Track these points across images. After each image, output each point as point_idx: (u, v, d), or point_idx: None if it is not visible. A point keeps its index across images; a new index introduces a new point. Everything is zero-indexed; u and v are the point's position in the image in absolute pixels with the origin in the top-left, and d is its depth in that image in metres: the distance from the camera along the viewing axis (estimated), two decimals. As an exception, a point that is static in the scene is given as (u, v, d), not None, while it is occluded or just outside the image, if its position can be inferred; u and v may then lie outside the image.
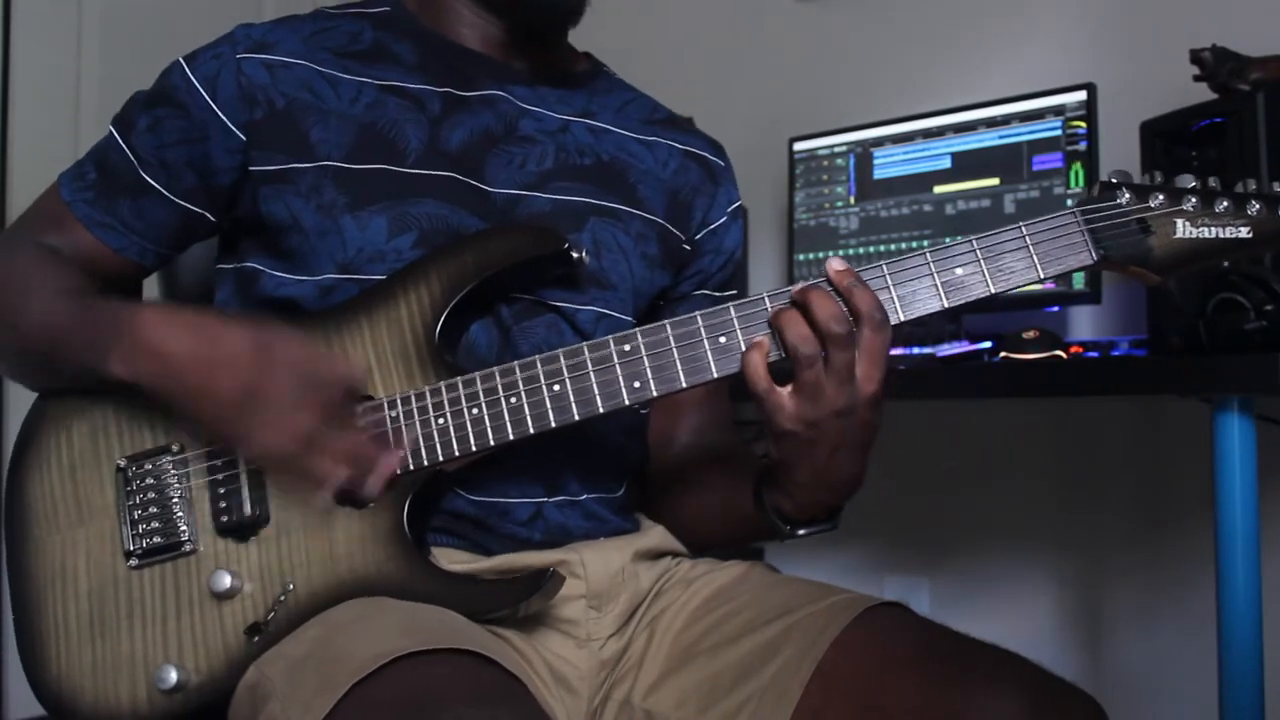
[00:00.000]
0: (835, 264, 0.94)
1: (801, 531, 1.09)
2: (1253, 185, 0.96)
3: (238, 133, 1.05)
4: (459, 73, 1.13)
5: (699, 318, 0.97)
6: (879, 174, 2.15)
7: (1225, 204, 0.96)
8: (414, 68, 1.12)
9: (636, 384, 0.98)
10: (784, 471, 1.03)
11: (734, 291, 1.30)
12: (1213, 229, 0.95)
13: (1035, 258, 0.96)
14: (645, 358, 0.98)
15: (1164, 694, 2.06)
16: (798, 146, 2.26)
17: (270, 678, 0.93)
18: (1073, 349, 1.71)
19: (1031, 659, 0.98)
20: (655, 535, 1.16)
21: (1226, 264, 1.47)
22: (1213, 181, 0.97)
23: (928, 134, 2.09)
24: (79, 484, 1.06)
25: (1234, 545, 1.36)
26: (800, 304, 0.94)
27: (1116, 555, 2.13)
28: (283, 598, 0.99)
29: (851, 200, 2.18)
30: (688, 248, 1.24)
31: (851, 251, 2.18)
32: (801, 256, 2.23)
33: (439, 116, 1.10)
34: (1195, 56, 1.72)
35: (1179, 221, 0.96)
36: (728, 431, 1.25)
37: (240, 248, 1.12)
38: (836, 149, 2.20)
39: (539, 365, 0.99)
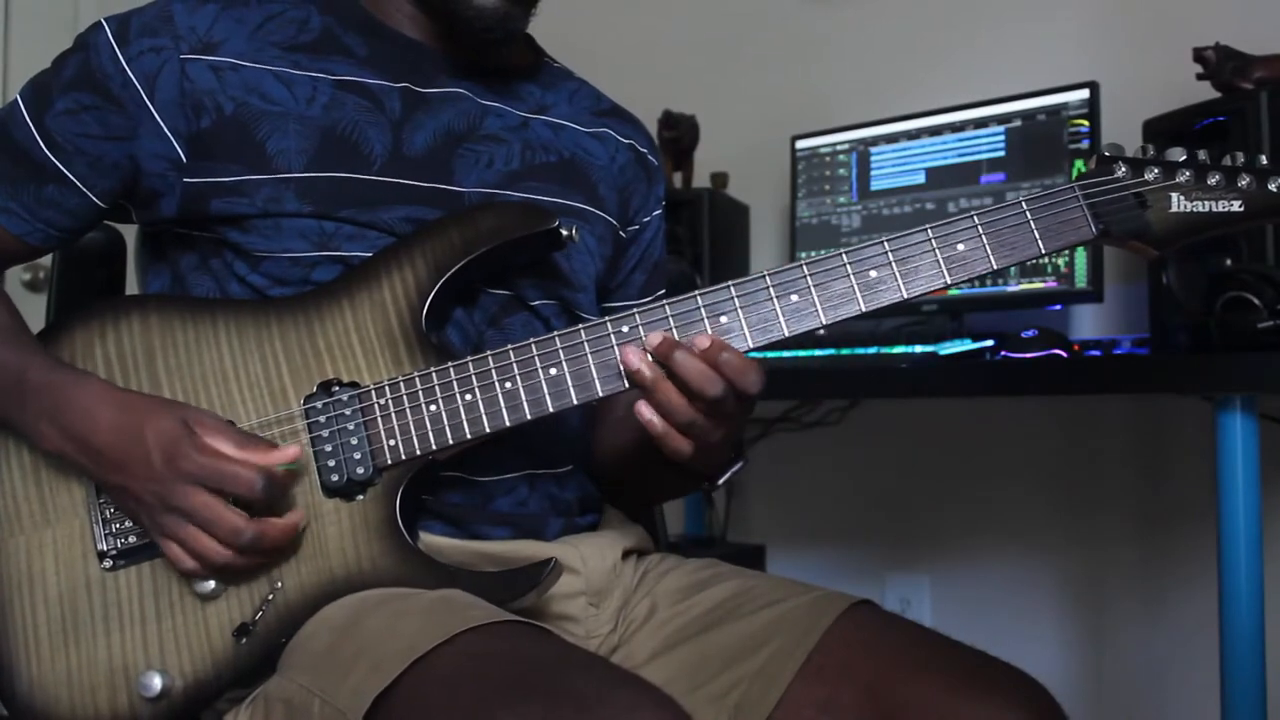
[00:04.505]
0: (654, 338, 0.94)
1: (719, 481, 1.10)
2: (1241, 158, 0.97)
3: (173, 141, 1.01)
4: (415, 68, 1.10)
5: (699, 297, 0.96)
6: (881, 172, 2.14)
7: (1218, 177, 0.97)
8: (365, 61, 1.08)
9: None
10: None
11: (663, 291, 1.29)
12: (1206, 203, 0.97)
13: (1036, 233, 0.96)
14: (645, 339, 0.95)
15: (1165, 693, 2.05)
16: (800, 145, 2.25)
17: (303, 685, 0.89)
18: (1074, 348, 1.70)
19: (1032, 658, 0.98)
20: (635, 534, 1.17)
21: (1230, 261, 1.48)
22: (1203, 155, 0.98)
23: (930, 132, 2.08)
24: (43, 483, 1.01)
25: (1236, 544, 1.36)
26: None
27: (1118, 554, 2.12)
28: (271, 597, 0.97)
29: (854, 198, 2.17)
30: (624, 236, 1.24)
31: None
32: (804, 254, 2.22)
33: (400, 118, 1.06)
34: (1198, 55, 1.71)
35: (1174, 195, 0.97)
36: None
37: (196, 240, 1.07)
38: (839, 147, 2.20)
39: (534, 348, 0.97)
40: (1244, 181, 0.97)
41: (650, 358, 0.94)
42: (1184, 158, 0.97)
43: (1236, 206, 0.97)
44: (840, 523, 2.43)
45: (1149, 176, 0.97)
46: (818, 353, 1.91)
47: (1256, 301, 1.38)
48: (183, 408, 0.97)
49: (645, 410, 0.94)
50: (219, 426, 0.96)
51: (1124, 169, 0.97)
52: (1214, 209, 0.96)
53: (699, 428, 0.94)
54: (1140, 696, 2.08)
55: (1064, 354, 1.66)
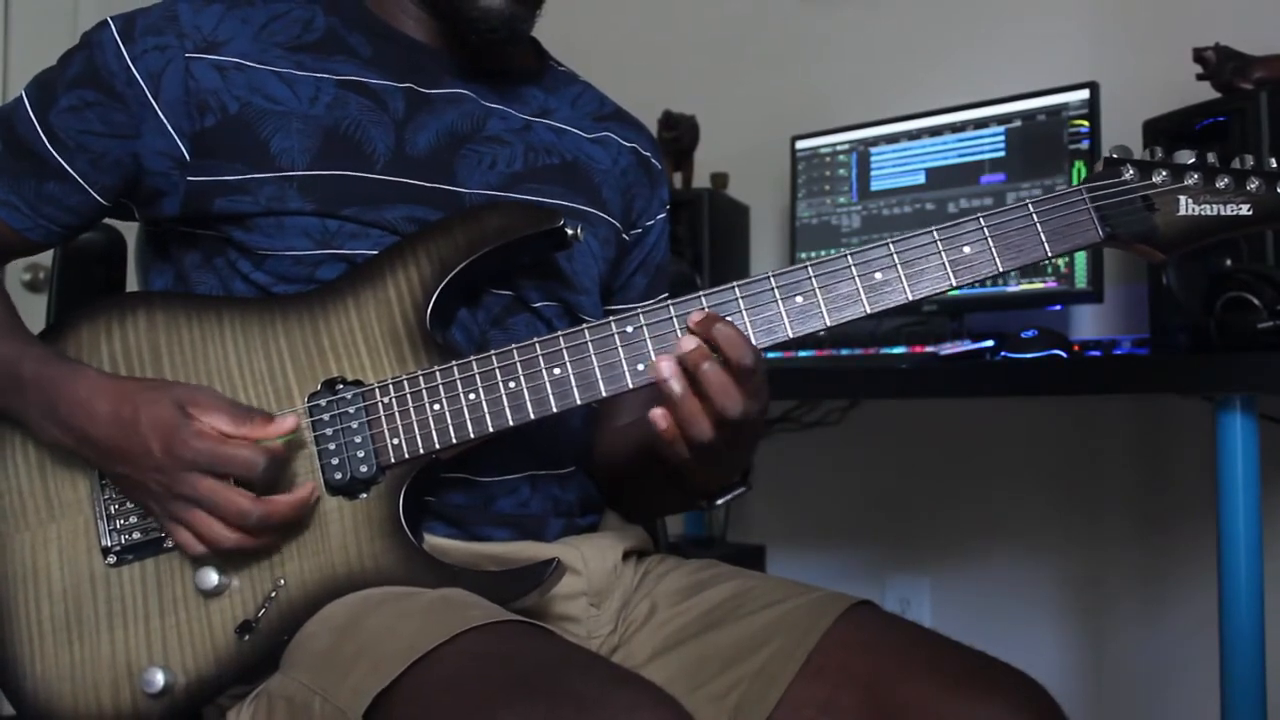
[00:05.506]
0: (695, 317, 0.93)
1: (719, 502, 1.09)
2: (1251, 161, 0.97)
3: (177, 139, 1.01)
4: (418, 68, 1.10)
5: (703, 298, 0.96)
6: (881, 172, 2.14)
7: (1226, 180, 0.96)
8: (370, 61, 1.08)
9: (641, 366, 0.96)
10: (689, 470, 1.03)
11: (666, 295, 1.28)
12: (1214, 206, 0.96)
13: (1043, 236, 0.96)
14: (649, 340, 0.96)
15: (1165, 693, 2.05)
16: (800, 145, 2.25)
17: (305, 684, 0.89)
18: (1074, 348, 1.70)
19: (1032, 658, 0.98)
20: (635, 534, 1.17)
21: (1230, 261, 1.48)
22: (1211, 158, 0.97)
23: (930, 132, 2.08)
24: (48, 479, 1.02)
25: (1236, 545, 1.36)
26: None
27: (1118, 554, 2.12)
28: (274, 594, 0.97)
29: (854, 199, 2.17)
30: (627, 239, 1.24)
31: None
32: (804, 255, 2.23)
33: (403, 118, 1.07)
34: (1198, 55, 1.71)
35: (1182, 198, 0.96)
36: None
37: (200, 239, 1.07)
38: (839, 147, 2.20)
39: (538, 348, 0.97)
40: (1253, 185, 0.96)
41: (679, 367, 0.92)
42: (1192, 160, 0.96)
43: (1245, 210, 0.96)
44: (840, 523, 2.43)
45: (1157, 179, 0.96)
46: (818, 353, 1.92)
47: (1256, 301, 1.38)
48: (176, 389, 0.97)
49: (661, 420, 0.93)
50: (214, 403, 0.96)
51: (1131, 171, 0.96)
52: (1222, 212, 0.96)
53: (710, 439, 0.93)
54: (1140, 696, 2.08)
55: (1064, 354, 1.66)
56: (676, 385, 0.91)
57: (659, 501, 1.22)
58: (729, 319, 0.93)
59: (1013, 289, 1.98)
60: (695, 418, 0.92)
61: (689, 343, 0.92)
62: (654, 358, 0.95)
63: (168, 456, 0.93)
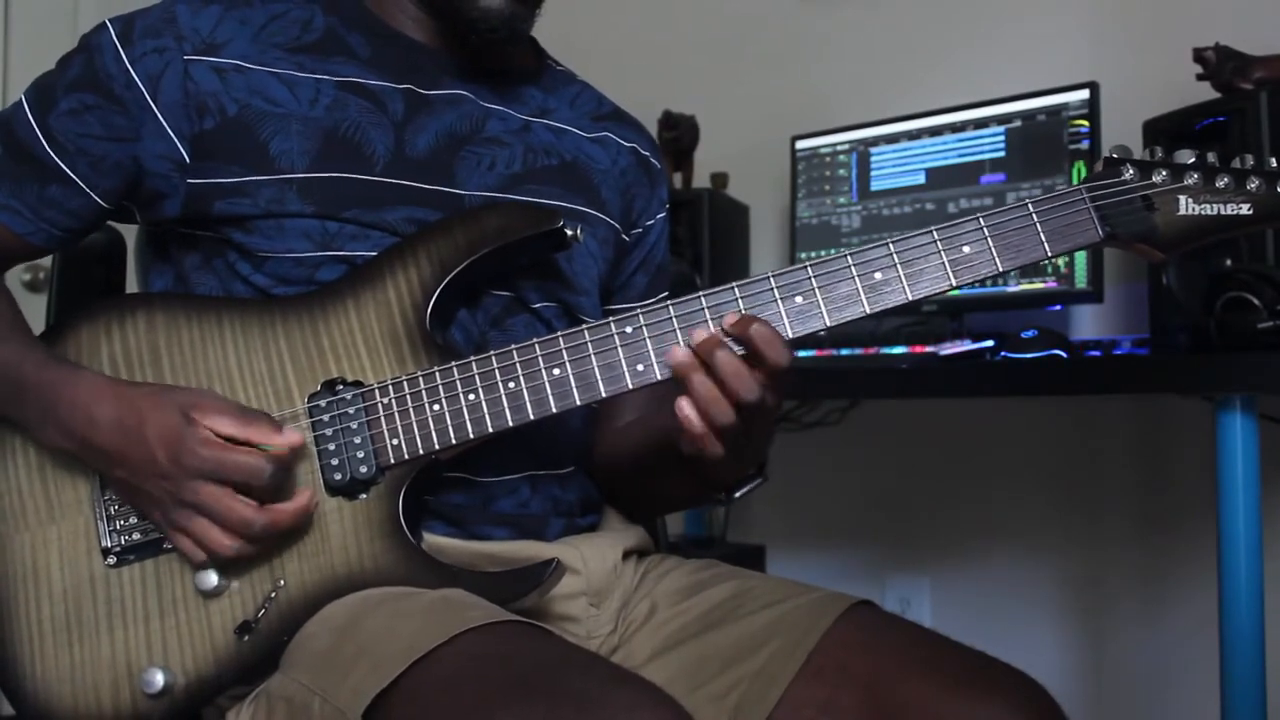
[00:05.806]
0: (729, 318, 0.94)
1: (737, 494, 1.10)
2: (1250, 161, 0.96)
3: (176, 142, 1.01)
4: (418, 69, 1.10)
5: (703, 298, 0.96)
6: (881, 172, 2.14)
7: (1226, 180, 0.96)
8: (369, 62, 1.08)
9: (640, 366, 0.96)
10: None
11: (666, 294, 1.29)
12: (1214, 206, 0.96)
13: (1043, 235, 0.96)
14: (648, 340, 0.96)
15: (1165, 693, 2.05)
16: (800, 145, 2.25)
17: (304, 684, 0.89)
18: (1075, 348, 1.70)
19: (1032, 658, 0.98)
20: (635, 534, 1.17)
21: (1230, 261, 1.48)
22: (1211, 157, 0.97)
23: (930, 132, 2.08)
24: (48, 479, 1.02)
25: (1236, 545, 1.36)
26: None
27: (1118, 554, 2.12)
28: (274, 595, 0.97)
29: (854, 199, 2.17)
30: (627, 239, 1.24)
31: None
32: (804, 255, 2.23)
33: (403, 120, 1.07)
34: (1198, 55, 1.72)
35: (1182, 198, 0.96)
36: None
37: (200, 240, 1.07)
38: (839, 147, 2.20)
39: (537, 348, 0.97)
40: (1253, 184, 0.96)
41: (693, 355, 0.93)
42: (1192, 160, 0.96)
43: (1245, 210, 0.96)
44: (840, 523, 2.43)
45: (1156, 179, 0.96)
46: (818, 353, 1.92)
47: (1256, 301, 1.38)
48: (181, 394, 0.97)
49: (686, 407, 0.93)
50: (218, 407, 0.96)
51: (1131, 171, 0.96)
52: (1222, 212, 0.95)
53: (733, 428, 0.93)
54: (1140, 696, 2.08)
55: (1064, 354, 1.66)
56: (692, 370, 0.92)
57: (667, 498, 1.22)
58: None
59: (1013, 289, 1.98)
60: (715, 400, 0.92)
61: (700, 333, 0.93)
62: (653, 358, 0.95)
63: (173, 465, 0.93)
